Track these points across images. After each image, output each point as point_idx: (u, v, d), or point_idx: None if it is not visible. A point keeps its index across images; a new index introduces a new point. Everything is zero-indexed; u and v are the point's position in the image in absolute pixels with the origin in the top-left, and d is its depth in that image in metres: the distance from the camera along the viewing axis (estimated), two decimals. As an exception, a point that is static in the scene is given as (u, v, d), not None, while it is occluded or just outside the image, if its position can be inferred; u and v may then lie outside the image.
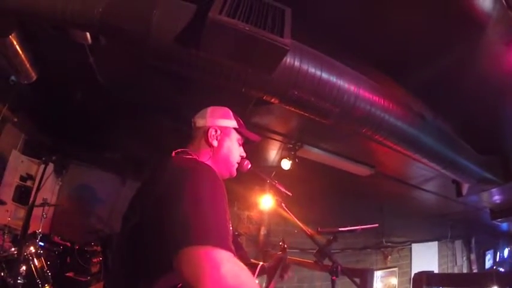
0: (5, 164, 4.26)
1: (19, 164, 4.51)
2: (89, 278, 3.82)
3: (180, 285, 0.87)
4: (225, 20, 1.67)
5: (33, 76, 2.97)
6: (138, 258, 0.92)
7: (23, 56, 2.72)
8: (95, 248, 4.07)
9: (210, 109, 1.33)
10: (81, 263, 3.84)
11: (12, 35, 2.51)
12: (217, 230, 0.80)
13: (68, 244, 4.02)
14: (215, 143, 1.25)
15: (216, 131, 1.26)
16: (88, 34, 2.40)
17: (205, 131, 1.26)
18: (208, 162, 1.19)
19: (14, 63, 2.75)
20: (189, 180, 0.91)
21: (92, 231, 4.34)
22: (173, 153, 1.16)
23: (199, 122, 1.29)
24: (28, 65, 2.84)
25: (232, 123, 1.31)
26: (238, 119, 1.35)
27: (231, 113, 1.34)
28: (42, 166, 4.01)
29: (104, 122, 3.95)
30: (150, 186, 1.01)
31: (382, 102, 2.35)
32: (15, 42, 2.57)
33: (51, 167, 4.34)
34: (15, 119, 4.15)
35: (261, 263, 1.49)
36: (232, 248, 0.78)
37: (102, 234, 4.24)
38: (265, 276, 1.48)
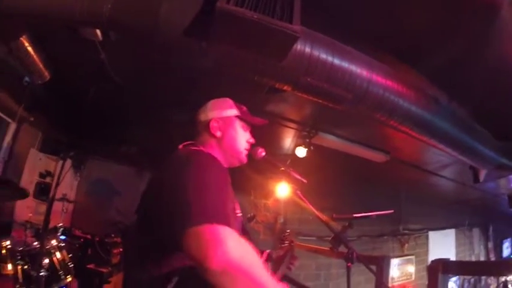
0: (24, 162, 4.38)
1: (37, 161, 4.63)
2: (109, 268, 3.91)
3: (188, 264, 0.90)
4: (233, 10, 1.66)
5: (47, 76, 3.03)
6: (150, 246, 0.98)
7: (35, 56, 2.76)
8: (115, 239, 4.17)
9: (210, 102, 1.37)
10: (102, 255, 3.94)
11: (23, 36, 2.55)
12: (217, 209, 0.86)
13: (89, 236, 4.12)
14: (218, 134, 1.28)
15: (217, 122, 1.29)
16: (98, 31, 2.42)
17: (208, 123, 1.30)
18: (215, 152, 1.24)
19: (27, 64, 2.81)
20: (189, 167, 0.98)
21: (111, 223, 4.44)
22: (181, 146, 1.22)
23: (202, 116, 1.33)
24: (41, 65, 2.89)
25: (233, 111, 1.33)
26: (241, 106, 1.37)
27: (232, 102, 1.37)
28: (61, 162, 4.11)
29: (118, 117, 4.01)
30: (158, 178, 1.08)
31: (396, 86, 2.31)
32: (26, 44, 2.62)
33: (69, 163, 4.45)
34: (32, 119, 4.25)
35: (268, 251, 1.51)
36: (234, 225, 0.87)
37: (122, 226, 4.33)
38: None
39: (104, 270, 3.85)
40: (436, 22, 2.24)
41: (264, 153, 1.42)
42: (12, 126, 4.11)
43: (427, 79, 2.76)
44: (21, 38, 2.57)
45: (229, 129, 1.30)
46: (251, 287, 0.77)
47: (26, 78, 3.29)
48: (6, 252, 2.59)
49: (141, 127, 4.13)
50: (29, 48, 2.67)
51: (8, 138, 4.12)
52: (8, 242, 2.65)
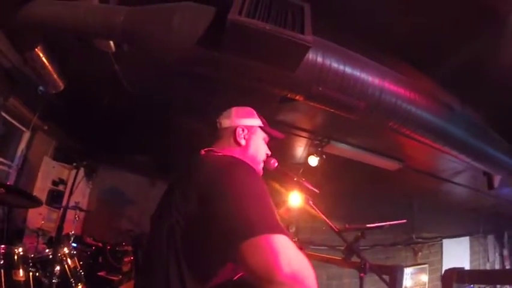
0: (37, 170, 4.45)
1: (51, 169, 4.70)
2: (120, 276, 3.93)
3: (237, 277, 0.90)
4: (244, 21, 1.67)
5: (61, 86, 3.08)
6: (185, 257, 0.93)
7: (49, 67, 2.81)
8: (126, 247, 4.19)
9: (234, 109, 1.34)
10: (112, 263, 3.96)
11: (38, 47, 2.60)
12: (273, 218, 0.83)
13: (100, 244, 4.15)
14: (243, 142, 1.26)
15: (243, 130, 1.27)
16: (111, 42, 2.46)
17: (233, 130, 1.27)
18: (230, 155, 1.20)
19: (42, 75, 2.86)
20: (231, 175, 0.94)
21: (123, 231, 4.47)
22: (202, 152, 1.18)
23: (225, 122, 1.31)
24: (55, 76, 2.95)
25: (257, 121, 1.33)
26: (262, 117, 1.36)
27: (255, 112, 1.36)
28: (74, 171, 4.17)
29: (131, 126, 4.05)
30: (187, 186, 1.01)
31: (408, 94, 2.29)
32: (41, 55, 2.67)
33: (82, 171, 4.51)
34: (46, 127, 4.33)
35: None
36: (286, 231, 0.80)
37: (133, 234, 4.35)
38: None
39: (115, 278, 3.87)
40: (449, 28, 2.22)
41: (276, 164, 1.42)
42: (26, 135, 4.20)
43: (440, 85, 2.74)
44: (37, 49, 2.62)
45: (254, 138, 1.29)
46: None
47: (41, 88, 3.36)
48: (18, 259, 2.62)
49: (153, 136, 4.17)
50: (44, 59, 2.72)
51: (22, 146, 4.20)
52: (21, 249, 2.67)
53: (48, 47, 2.68)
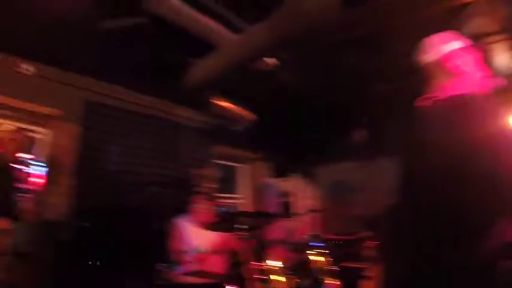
0: (265, 192, 5.22)
1: (277, 186, 5.42)
2: (365, 263, 3.94)
3: None
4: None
5: (251, 119, 3.47)
6: (448, 223, 0.88)
7: (232, 107, 3.22)
8: (364, 234, 4.19)
9: (430, 41, 1.20)
10: (355, 251, 4.04)
11: (216, 97, 3.02)
12: None
13: (340, 237, 4.34)
14: (454, 71, 1.12)
15: (450, 59, 1.13)
16: (269, 60, 2.61)
17: (439, 63, 1.15)
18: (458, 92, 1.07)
19: (229, 117, 3.31)
20: (470, 120, 0.88)
21: (356, 219, 4.52)
22: (418, 103, 1.10)
23: (427, 57, 1.19)
24: (241, 113, 3.34)
25: (458, 44, 1.16)
26: (460, 36, 1.18)
27: (451, 35, 1.18)
28: (295, 181, 4.61)
29: (329, 119, 4.18)
30: (416, 146, 0.99)
31: None
32: (220, 101, 3.09)
33: (303, 178, 4.97)
34: (258, 156, 5.05)
35: None
36: None
37: (367, 219, 4.34)
38: None
39: (360, 266, 3.92)
40: None
41: (501, 81, 1.17)
42: (245, 168, 5.04)
43: None
44: (215, 100, 3.05)
45: (463, 62, 1.13)
46: None
47: (236, 127, 3.92)
48: (279, 269, 3.05)
49: (353, 119, 4.14)
50: (226, 104, 3.12)
51: (244, 178, 5.06)
52: (280, 263, 3.11)
53: (225, 91, 3.07)
